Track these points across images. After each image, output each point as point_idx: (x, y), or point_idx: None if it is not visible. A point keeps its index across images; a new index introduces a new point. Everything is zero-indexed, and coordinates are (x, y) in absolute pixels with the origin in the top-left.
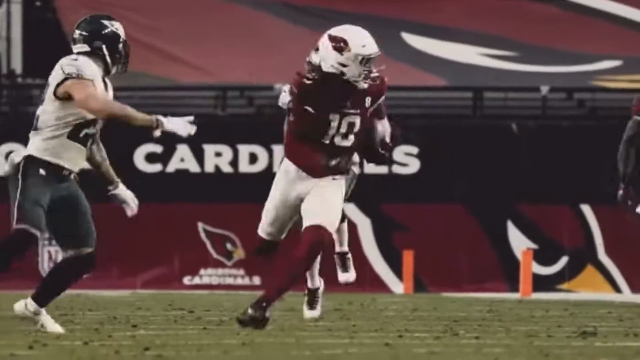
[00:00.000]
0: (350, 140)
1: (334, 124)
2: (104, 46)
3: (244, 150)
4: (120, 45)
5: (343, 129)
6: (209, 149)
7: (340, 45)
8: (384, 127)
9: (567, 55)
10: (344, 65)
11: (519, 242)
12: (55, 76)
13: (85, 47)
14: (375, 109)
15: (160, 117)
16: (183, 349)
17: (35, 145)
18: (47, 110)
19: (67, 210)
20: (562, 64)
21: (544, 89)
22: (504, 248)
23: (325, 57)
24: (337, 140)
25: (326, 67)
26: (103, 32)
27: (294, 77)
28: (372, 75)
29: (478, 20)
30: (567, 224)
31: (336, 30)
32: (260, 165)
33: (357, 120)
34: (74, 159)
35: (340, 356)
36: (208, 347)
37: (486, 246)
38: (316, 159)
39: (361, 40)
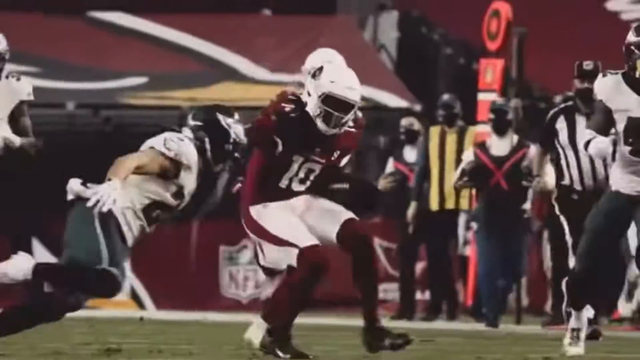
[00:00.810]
0: (305, 186)
1: (295, 167)
2: (207, 139)
3: None
4: (229, 146)
5: (301, 174)
6: None
7: (315, 71)
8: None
9: (92, 72)
10: (309, 94)
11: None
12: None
13: (189, 134)
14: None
15: None
16: None
17: None
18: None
19: None
20: (88, 81)
21: (70, 105)
22: None
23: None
24: (294, 186)
25: (304, 95)
26: (212, 126)
27: (273, 103)
28: (339, 125)
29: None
30: None
31: (330, 55)
32: None
33: (317, 168)
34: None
35: None
36: None
37: None
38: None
39: (335, 76)
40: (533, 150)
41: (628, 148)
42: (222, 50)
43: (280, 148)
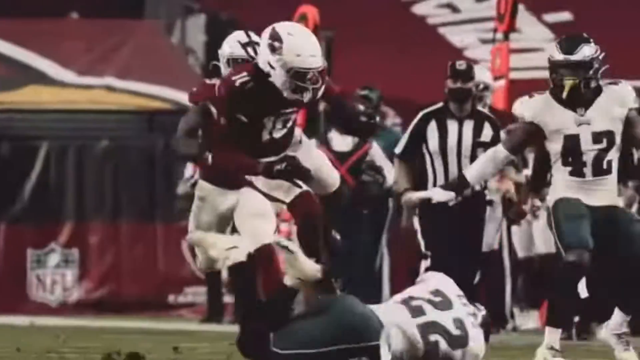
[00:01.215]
0: (286, 131)
1: (269, 125)
2: None
3: None
4: None
5: (279, 125)
6: None
7: (274, 44)
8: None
9: None
10: (272, 67)
11: None
12: None
13: None
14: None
15: None
16: None
17: None
18: None
19: None
20: None
21: None
22: None
23: (260, 50)
24: (276, 134)
25: (260, 63)
26: None
27: (222, 85)
28: (316, 95)
29: None
30: None
31: (282, 26)
32: None
33: (292, 116)
34: None
35: None
36: None
37: None
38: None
39: (300, 48)
40: (375, 146)
41: (568, 168)
42: (29, 54)
43: (244, 120)
